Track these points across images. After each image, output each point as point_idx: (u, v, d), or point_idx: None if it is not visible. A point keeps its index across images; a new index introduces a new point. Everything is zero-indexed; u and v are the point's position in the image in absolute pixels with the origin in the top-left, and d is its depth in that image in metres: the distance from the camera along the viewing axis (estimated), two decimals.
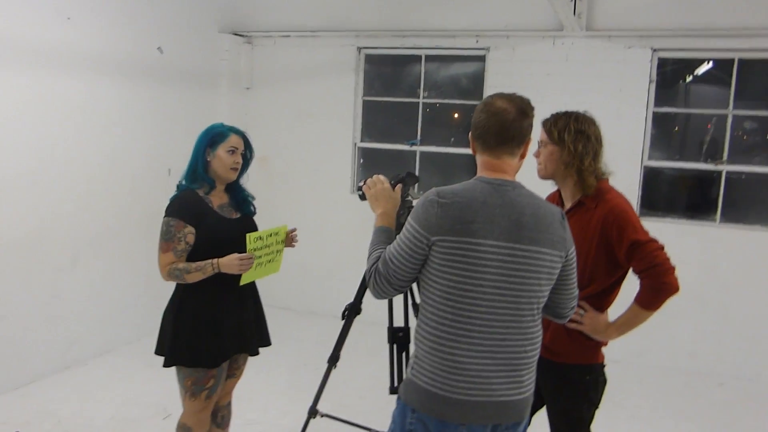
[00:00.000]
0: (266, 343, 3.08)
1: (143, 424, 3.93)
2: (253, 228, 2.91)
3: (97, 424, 3.89)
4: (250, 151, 2.97)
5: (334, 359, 3.18)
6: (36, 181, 4.31)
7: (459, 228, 1.85)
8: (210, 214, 2.81)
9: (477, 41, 5.73)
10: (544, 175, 2.63)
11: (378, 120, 6.33)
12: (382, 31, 5.96)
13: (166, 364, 2.84)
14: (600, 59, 5.38)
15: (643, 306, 2.39)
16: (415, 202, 2.87)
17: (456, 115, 6.21)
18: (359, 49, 6.13)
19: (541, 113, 6.19)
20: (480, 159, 2.02)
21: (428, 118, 6.11)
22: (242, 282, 2.76)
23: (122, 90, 4.97)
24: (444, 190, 1.93)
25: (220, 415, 3.11)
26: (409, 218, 1.94)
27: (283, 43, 6.30)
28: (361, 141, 6.25)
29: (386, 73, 6.32)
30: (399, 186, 2.66)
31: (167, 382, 3.95)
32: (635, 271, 2.39)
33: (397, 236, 1.98)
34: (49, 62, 4.33)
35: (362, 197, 2.86)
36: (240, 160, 2.87)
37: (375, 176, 2.48)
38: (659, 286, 2.34)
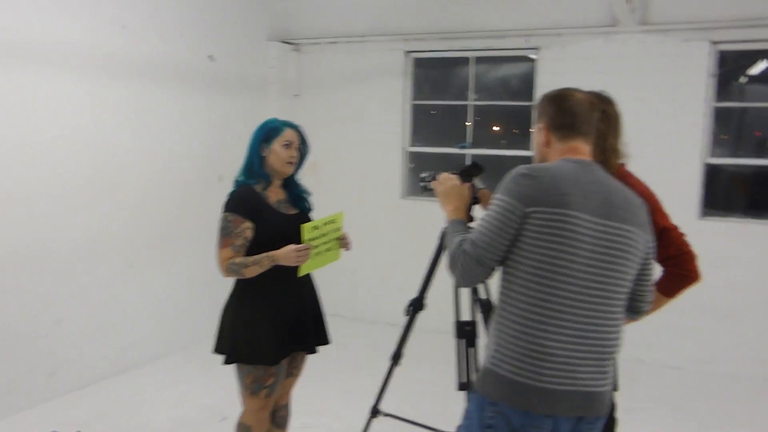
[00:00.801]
0: (325, 341, 3.04)
1: (199, 426, 3.93)
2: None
3: (153, 426, 3.91)
4: (306, 146, 2.96)
5: (396, 357, 3.11)
6: (94, 188, 4.41)
7: (554, 199, 1.79)
8: (267, 209, 2.80)
9: (527, 41, 5.63)
10: None
11: (427, 124, 6.28)
12: (429, 33, 5.92)
13: (227, 362, 2.83)
14: (655, 54, 5.22)
15: (665, 293, 2.34)
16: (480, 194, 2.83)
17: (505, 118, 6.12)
18: (407, 52, 6.10)
19: None
20: (556, 149, 2.00)
21: (478, 121, 6.03)
22: (301, 273, 2.72)
23: (175, 98, 5.06)
24: (533, 165, 1.90)
25: (279, 415, 3.08)
26: (497, 194, 1.86)
27: (331, 49, 6.32)
28: (411, 145, 6.21)
29: (435, 76, 6.28)
30: (466, 182, 2.63)
31: (223, 384, 4.01)
32: (659, 258, 2.30)
33: (483, 215, 1.88)
34: (106, 70, 4.43)
35: (425, 189, 2.82)
36: (295, 154, 2.86)
37: (443, 174, 2.47)
38: (685, 273, 2.32)
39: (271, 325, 2.79)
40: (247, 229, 2.73)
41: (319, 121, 6.36)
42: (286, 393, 3.08)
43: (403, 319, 3.16)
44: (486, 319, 2.85)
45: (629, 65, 5.28)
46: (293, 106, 6.42)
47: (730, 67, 5.32)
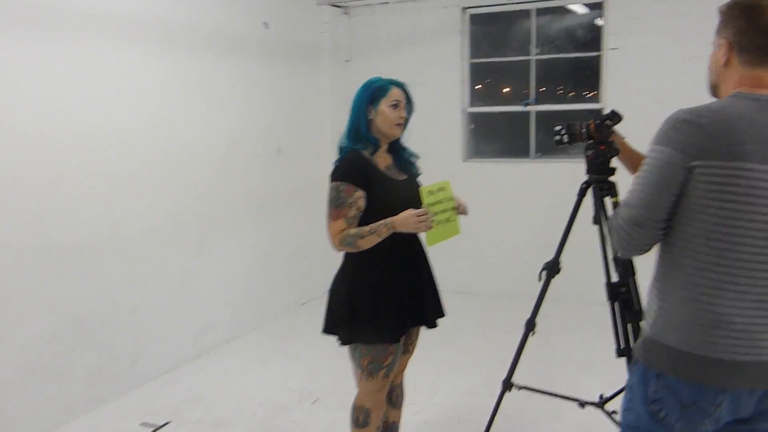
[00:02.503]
0: (441, 313, 2.84)
1: (293, 408, 3.78)
2: (416, 190, 2.58)
3: (248, 410, 3.76)
4: (411, 105, 2.71)
5: (531, 325, 2.91)
6: (167, 167, 4.23)
7: (726, 150, 1.51)
8: (379, 176, 2.58)
9: None
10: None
11: (488, 82, 6.00)
12: None
13: (345, 342, 2.63)
14: None
15: None
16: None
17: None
18: (464, 9, 5.80)
19: (672, 55, 5.70)
20: (736, 73, 1.65)
21: (542, 76, 5.74)
22: (429, 244, 2.53)
23: (234, 68, 4.83)
24: (699, 108, 1.59)
25: (395, 395, 2.90)
26: (652, 144, 1.61)
27: (382, 10, 6.03)
28: (471, 106, 5.94)
29: (493, 32, 5.98)
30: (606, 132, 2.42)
31: (307, 364, 3.83)
32: None
33: (639, 170, 1.65)
34: (168, 42, 4.21)
35: (559, 142, 2.61)
36: (404, 114, 2.63)
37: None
38: None
39: (391, 300, 2.59)
40: (360, 198, 2.53)
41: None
42: (401, 371, 2.90)
43: (537, 285, 2.93)
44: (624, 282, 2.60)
45: (711, 5, 4.94)
46: (345, 71, 6.16)
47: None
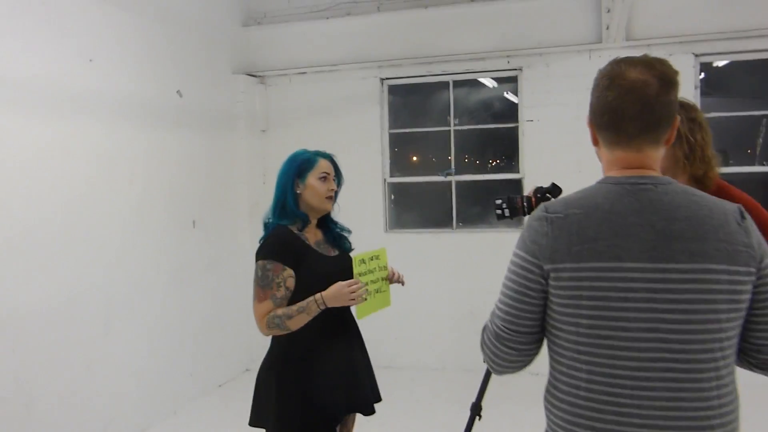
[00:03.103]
0: (378, 397, 2.64)
1: None
2: (348, 266, 2.45)
3: None
4: (340, 177, 2.61)
5: (477, 408, 2.74)
6: (66, 240, 3.84)
7: (578, 250, 1.33)
8: (309, 253, 2.42)
9: (509, 62, 5.48)
10: None
11: (408, 152, 6.00)
12: (405, 59, 5.68)
13: None
14: None
15: None
16: None
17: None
18: (382, 80, 5.83)
19: (585, 127, 5.95)
20: (608, 155, 1.45)
21: (461, 146, 5.80)
22: (359, 317, 2.40)
23: (145, 136, 4.55)
24: (554, 203, 1.43)
25: None
26: (515, 248, 1.44)
27: (300, 80, 5.97)
28: (391, 176, 5.90)
29: (412, 102, 6.04)
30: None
31: None
32: None
33: (505, 277, 1.45)
34: (73, 107, 3.92)
35: (500, 216, 2.53)
36: (334, 186, 2.53)
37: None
38: None
39: (324, 388, 2.38)
40: (289, 277, 2.36)
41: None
42: None
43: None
44: None
45: None
46: (262, 142, 6.01)
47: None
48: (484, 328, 1.51)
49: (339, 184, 2.61)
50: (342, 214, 6.28)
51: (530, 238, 1.39)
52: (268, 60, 6.00)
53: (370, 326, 5.83)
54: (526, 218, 1.45)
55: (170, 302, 4.74)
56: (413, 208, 6.10)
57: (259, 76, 5.99)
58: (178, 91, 4.94)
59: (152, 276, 4.59)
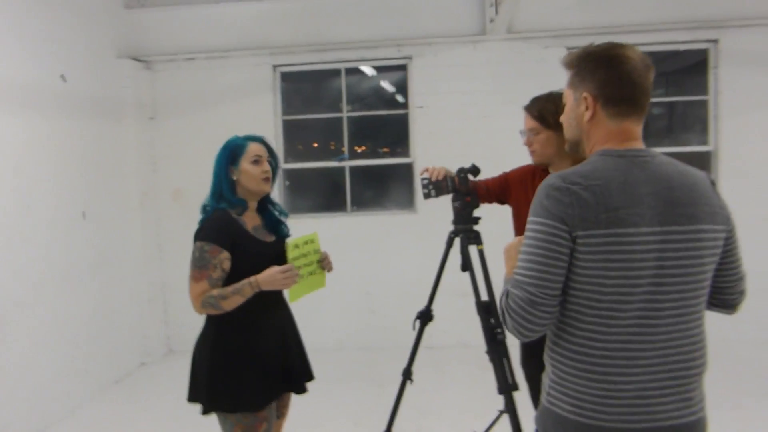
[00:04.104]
0: (310, 377, 2.75)
1: None
2: (284, 251, 2.55)
3: None
4: (276, 159, 2.67)
5: (407, 373, 2.90)
6: None
7: (603, 219, 1.48)
8: (246, 237, 2.48)
9: (399, 50, 5.69)
10: (541, 161, 2.63)
11: (302, 139, 6.07)
12: (298, 46, 5.73)
13: (206, 411, 2.45)
14: (520, 60, 5.56)
15: None
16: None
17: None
18: (275, 67, 5.84)
19: (471, 114, 6.25)
20: (602, 128, 1.61)
21: (354, 132, 5.95)
22: (291, 300, 2.50)
23: (25, 123, 4.27)
24: (570, 174, 1.55)
25: None
26: (531, 216, 1.56)
27: (188, 66, 5.85)
28: (285, 162, 5.95)
29: (305, 89, 6.10)
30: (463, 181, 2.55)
31: None
32: None
33: (523, 245, 1.57)
34: None
35: (427, 195, 2.69)
36: (268, 167, 2.57)
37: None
38: None
39: (256, 364, 2.47)
40: (225, 259, 2.41)
41: (180, 144, 5.86)
42: None
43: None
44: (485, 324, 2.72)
45: (498, 70, 5.56)
46: (151, 129, 5.83)
47: None
48: (507, 297, 1.56)
49: (276, 165, 2.66)
50: None
51: (555, 207, 1.51)
52: (154, 44, 5.82)
53: None
54: (540, 189, 1.55)
55: (62, 299, 4.53)
56: (309, 193, 6.19)
57: (146, 61, 5.80)
58: (62, 76, 4.69)
59: (42, 272, 4.36)
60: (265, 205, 2.65)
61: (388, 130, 6.03)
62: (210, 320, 2.52)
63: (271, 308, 2.55)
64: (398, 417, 3.04)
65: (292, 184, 6.05)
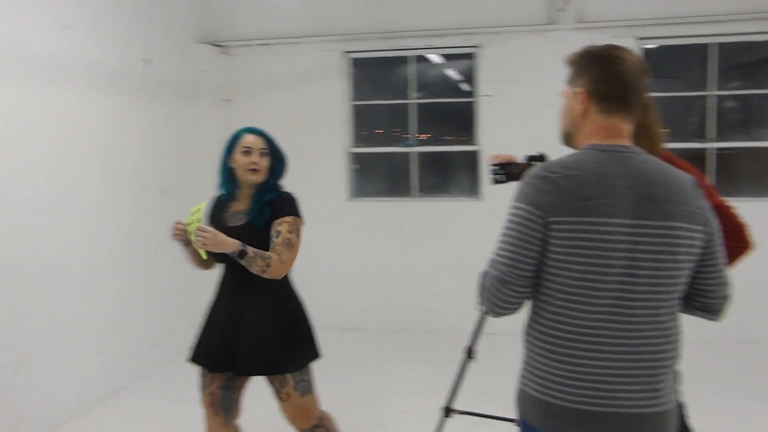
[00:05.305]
0: (263, 370, 2.69)
1: None
2: (251, 237, 2.59)
3: None
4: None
5: (470, 351, 3.03)
6: (44, 206, 3.90)
7: (578, 206, 1.55)
8: (215, 220, 2.75)
9: (468, 39, 5.74)
10: None
11: (368, 124, 6.21)
12: (368, 33, 5.85)
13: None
14: None
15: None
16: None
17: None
18: (345, 53, 5.99)
19: (539, 103, 6.20)
20: (592, 122, 1.69)
21: (422, 119, 6.05)
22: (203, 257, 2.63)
23: (112, 104, 4.58)
24: (552, 164, 1.64)
25: None
26: (513, 201, 1.64)
27: (262, 51, 6.06)
28: (353, 146, 6.11)
29: (374, 75, 6.23)
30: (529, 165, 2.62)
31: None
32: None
33: (503, 228, 1.65)
34: (47, 75, 3.94)
35: (497, 181, 2.76)
36: (257, 159, 2.65)
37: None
38: (739, 244, 2.39)
39: (205, 325, 2.79)
40: None
41: (253, 125, 6.05)
42: (292, 419, 2.77)
43: (474, 314, 3.05)
44: None
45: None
46: (226, 111, 6.08)
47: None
48: (484, 275, 1.67)
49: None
50: (306, 182, 6.46)
51: (533, 194, 1.59)
52: (231, 30, 6.05)
53: (332, 290, 6.10)
54: (525, 177, 1.64)
55: (141, 267, 4.84)
56: (376, 178, 6.33)
57: (223, 46, 6.04)
58: (146, 59, 4.97)
59: (127, 242, 4.68)
60: (258, 192, 2.70)
61: (453, 117, 6.11)
62: None
63: (235, 287, 2.69)
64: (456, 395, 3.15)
65: (361, 168, 6.20)
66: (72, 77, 4.15)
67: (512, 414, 3.12)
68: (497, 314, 1.68)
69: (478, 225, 5.75)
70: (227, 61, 6.10)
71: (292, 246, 2.58)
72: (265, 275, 2.53)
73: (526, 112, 5.63)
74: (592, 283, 1.56)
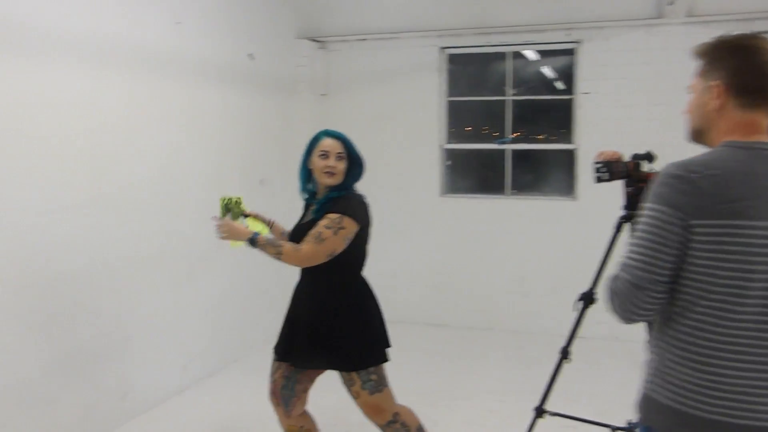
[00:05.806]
0: (325, 364, 2.83)
1: None
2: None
3: None
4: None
5: (565, 352, 2.99)
6: (156, 196, 4.14)
7: (722, 209, 1.46)
8: (302, 217, 2.92)
9: (568, 34, 5.61)
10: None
11: (462, 120, 6.19)
12: (465, 29, 5.83)
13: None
14: None
15: None
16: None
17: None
18: (441, 48, 5.99)
19: (641, 102, 6.00)
20: (729, 118, 1.59)
21: (518, 116, 5.97)
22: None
23: (220, 98, 4.82)
24: (690, 162, 1.53)
25: None
26: (649, 203, 1.55)
27: (360, 46, 6.16)
28: (447, 142, 6.10)
29: (471, 71, 6.20)
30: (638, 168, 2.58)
31: None
32: None
33: (638, 230, 1.57)
34: (160, 70, 4.18)
35: (600, 179, 2.71)
36: (333, 163, 2.72)
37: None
38: None
39: (285, 315, 2.93)
40: None
41: (349, 120, 6.15)
42: (367, 412, 2.83)
43: (565, 316, 3.03)
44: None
45: (674, 57, 5.29)
46: (323, 105, 6.23)
47: None
48: (614, 279, 1.59)
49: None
50: (399, 178, 6.53)
51: (670, 195, 1.51)
52: (329, 26, 6.18)
53: (420, 284, 6.13)
54: (659, 176, 1.55)
55: (239, 259, 5.04)
56: (469, 174, 6.31)
57: (321, 41, 6.18)
58: (250, 54, 5.17)
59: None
60: (331, 192, 2.78)
61: (548, 115, 5.98)
62: None
63: (303, 283, 2.91)
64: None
65: (454, 164, 6.19)
66: (183, 72, 4.38)
67: (604, 419, 3.12)
68: (630, 321, 1.60)
69: (572, 225, 5.63)
70: (325, 56, 6.24)
71: (321, 240, 2.61)
72: (283, 261, 2.67)
73: (626, 111, 5.45)
74: (737, 290, 1.49)
